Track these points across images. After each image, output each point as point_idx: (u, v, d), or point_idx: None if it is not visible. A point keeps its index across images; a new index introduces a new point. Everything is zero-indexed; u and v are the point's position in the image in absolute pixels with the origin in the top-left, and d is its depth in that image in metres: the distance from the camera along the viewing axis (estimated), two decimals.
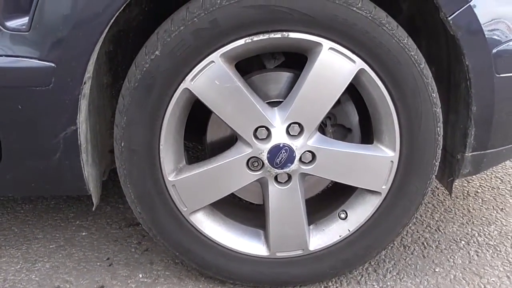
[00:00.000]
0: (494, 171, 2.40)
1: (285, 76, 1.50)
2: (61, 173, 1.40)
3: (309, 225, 1.52)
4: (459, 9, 1.32)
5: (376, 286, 1.61)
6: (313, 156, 1.42)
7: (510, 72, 1.41)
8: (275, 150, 1.40)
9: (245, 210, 1.71)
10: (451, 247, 1.81)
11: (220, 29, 1.28)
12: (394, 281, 1.64)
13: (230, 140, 1.54)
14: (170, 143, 1.41)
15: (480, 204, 2.12)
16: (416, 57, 1.35)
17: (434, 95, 1.38)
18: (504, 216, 2.02)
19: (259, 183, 1.47)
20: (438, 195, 2.19)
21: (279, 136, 1.39)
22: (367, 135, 1.60)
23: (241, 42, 1.30)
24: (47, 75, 1.28)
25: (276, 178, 1.45)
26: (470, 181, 2.31)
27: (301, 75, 1.38)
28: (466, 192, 2.22)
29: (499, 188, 2.25)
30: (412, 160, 1.43)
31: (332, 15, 1.28)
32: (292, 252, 1.53)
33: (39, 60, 1.27)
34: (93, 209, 1.54)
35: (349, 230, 1.52)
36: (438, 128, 1.41)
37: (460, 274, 1.67)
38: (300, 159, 1.42)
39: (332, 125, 1.59)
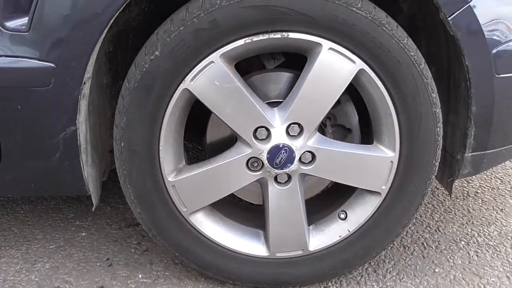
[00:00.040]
0: (494, 171, 2.40)
1: (284, 76, 1.50)
2: (61, 173, 1.40)
3: (309, 225, 1.52)
4: (459, 10, 1.33)
5: (375, 286, 1.61)
6: (313, 156, 1.42)
7: (510, 73, 1.41)
8: (275, 151, 1.40)
9: (245, 211, 1.71)
10: (451, 247, 1.81)
11: (219, 30, 1.28)
12: (394, 281, 1.64)
13: (230, 141, 1.54)
14: (169, 143, 1.41)
15: (480, 204, 2.12)
16: (416, 57, 1.35)
17: (434, 96, 1.38)
18: (504, 217, 2.02)
19: (258, 183, 1.47)
20: (438, 195, 2.19)
21: (278, 137, 1.39)
22: (367, 135, 1.60)
23: (240, 42, 1.30)
24: (47, 76, 1.28)
25: (276, 179, 1.45)
26: (470, 181, 2.31)
27: (301, 76, 1.38)
28: (466, 192, 2.22)
29: (499, 189, 2.24)
30: (412, 160, 1.43)
31: (332, 16, 1.28)
32: (292, 252, 1.52)
33: (39, 60, 1.27)
34: (93, 209, 1.54)
35: (348, 231, 1.52)
36: (438, 129, 1.41)
37: (460, 275, 1.67)
38: (300, 159, 1.42)
39: (332, 126, 1.59)
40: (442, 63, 1.53)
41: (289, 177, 1.45)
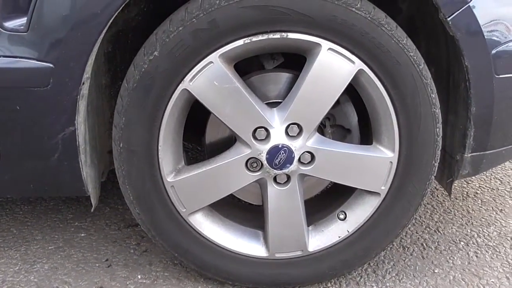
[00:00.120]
0: (493, 172, 2.40)
1: (284, 76, 1.50)
2: (60, 174, 1.40)
3: (308, 226, 1.52)
4: (458, 10, 1.32)
5: (375, 287, 1.61)
6: (312, 157, 1.42)
7: (509, 73, 1.41)
8: (274, 151, 1.39)
9: (244, 211, 1.71)
10: (451, 248, 1.81)
11: (219, 30, 1.28)
12: (393, 282, 1.64)
13: (229, 141, 1.54)
14: (169, 144, 1.41)
15: (480, 205, 2.11)
16: (415, 57, 1.34)
17: (433, 96, 1.38)
18: (504, 217, 2.01)
19: (258, 184, 1.47)
20: (437, 196, 2.19)
21: (278, 137, 1.39)
22: (366, 135, 1.59)
23: (240, 42, 1.30)
24: (46, 76, 1.28)
25: (275, 179, 1.45)
26: (470, 182, 2.31)
27: (300, 76, 1.38)
28: (465, 193, 2.22)
29: (499, 189, 2.24)
30: (411, 161, 1.43)
31: (331, 16, 1.28)
32: (291, 253, 1.52)
33: (38, 60, 1.27)
34: (92, 210, 1.54)
35: (348, 231, 1.51)
36: (437, 129, 1.41)
37: (460, 275, 1.66)
38: (299, 159, 1.41)
39: (331, 126, 1.59)
40: (441, 63, 1.53)
41: (289, 178, 1.45)
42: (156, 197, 1.44)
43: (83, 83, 1.31)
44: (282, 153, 1.40)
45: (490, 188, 2.25)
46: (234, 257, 1.53)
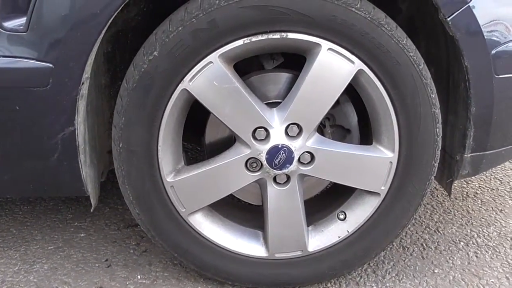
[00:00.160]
0: (493, 172, 2.40)
1: (283, 77, 1.50)
2: (59, 174, 1.39)
3: (308, 226, 1.52)
4: (458, 10, 1.32)
5: (375, 287, 1.61)
6: (312, 157, 1.42)
7: (509, 73, 1.41)
8: (274, 151, 1.39)
9: (244, 211, 1.71)
10: (450, 248, 1.81)
11: (218, 30, 1.28)
12: (393, 282, 1.63)
13: (229, 141, 1.54)
14: (168, 144, 1.41)
15: (479, 205, 2.11)
16: (415, 57, 1.34)
17: (433, 96, 1.38)
18: (503, 217, 2.01)
19: (257, 184, 1.47)
20: (437, 196, 2.19)
21: (277, 137, 1.39)
22: (366, 136, 1.59)
23: (239, 42, 1.30)
24: (45, 76, 1.28)
25: (275, 179, 1.44)
26: (469, 182, 2.31)
27: (300, 76, 1.38)
28: (465, 193, 2.22)
29: (498, 189, 2.24)
30: (411, 161, 1.43)
31: (331, 16, 1.28)
32: (291, 253, 1.52)
33: (37, 60, 1.27)
34: (92, 210, 1.54)
35: (348, 231, 1.51)
36: (437, 129, 1.41)
37: (459, 275, 1.66)
38: (299, 160, 1.41)
39: (331, 126, 1.59)
40: (441, 63, 1.53)
41: (288, 178, 1.44)
42: (156, 197, 1.44)
43: (83, 83, 1.31)
44: (282, 153, 1.40)
45: (490, 188, 2.25)
46: (234, 257, 1.53)
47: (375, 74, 1.35)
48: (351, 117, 1.61)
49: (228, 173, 1.43)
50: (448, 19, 1.32)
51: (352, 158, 1.44)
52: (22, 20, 1.27)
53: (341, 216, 1.53)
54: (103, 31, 1.27)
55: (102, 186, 1.62)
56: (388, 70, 1.34)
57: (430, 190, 1.57)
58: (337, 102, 1.51)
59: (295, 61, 1.49)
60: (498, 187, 2.26)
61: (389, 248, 1.79)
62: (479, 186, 2.27)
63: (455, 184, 2.27)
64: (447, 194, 2.17)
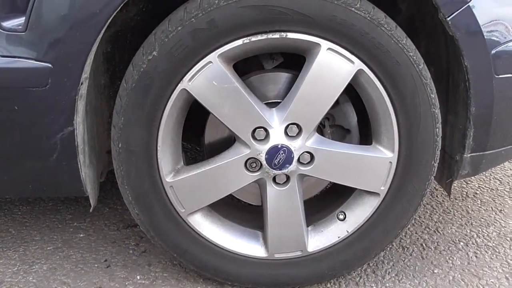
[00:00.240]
0: (493, 172, 2.39)
1: (283, 76, 1.50)
2: (58, 174, 1.39)
3: (307, 226, 1.52)
4: (458, 10, 1.32)
5: (374, 287, 1.61)
6: (312, 157, 1.42)
7: (509, 73, 1.41)
8: (273, 151, 1.39)
9: (243, 211, 1.71)
10: (450, 248, 1.81)
11: (218, 30, 1.28)
12: (393, 282, 1.63)
13: (228, 141, 1.53)
14: (167, 144, 1.40)
15: (479, 205, 2.11)
16: (415, 57, 1.34)
17: (433, 96, 1.38)
18: (503, 218, 2.01)
19: (257, 184, 1.47)
20: (437, 196, 2.19)
21: (277, 137, 1.38)
22: (366, 136, 1.59)
23: (239, 42, 1.30)
24: (44, 76, 1.28)
25: (274, 179, 1.44)
26: (469, 182, 2.31)
27: (299, 76, 1.37)
28: (465, 193, 2.21)
29: (498, 190, 2.24)
30: (410, 161, 1.43)
31: (331, 16, 1.28)
32: (291, 253, 1.52)
33: (36, 60, 1.27)
34: (91, 210, 1.53)
35: (347, 231, 1.51)
36: (437, 129, 1.41)
37: (459, 275, 1.66)
38: (298, 160, 1.41)
39: (331, 126, 1.59)
40: (441, 63, 1.53)
41: (288, 178, 1.44)
42: (155, 197, 1.43)
43: (82, 83, 1.31)
44: (282, 153, 1.39)
45: (489, 188, 2.25)
46: (234, 258, 1.53)
47: (375, 74, 1.34)
48: (350, 117, 1.61)
49: (227, 173, 1.42)
50: (448, 19, 1.32)
51: (351, 158, 1.44)
52: (21, 20, 1.26)
53: (341, 216, 1.53)
54: (102, 31, 1.27)
55: (101, 186, 1.61)
56: (388, 70, 1.34)
57: (429, 190, 1.57)
58: (337, 102, 1.51)
59: (294, 61, 1.49)
60: (497, 187, 2.26)
61: (388, 248, 1.79)
62: (479, 186, 2.27)
63: (455, 184, 2.27)
64: (446, 194, 2.17)
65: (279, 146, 1.39)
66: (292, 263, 1.53)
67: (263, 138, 1.39)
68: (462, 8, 1.32)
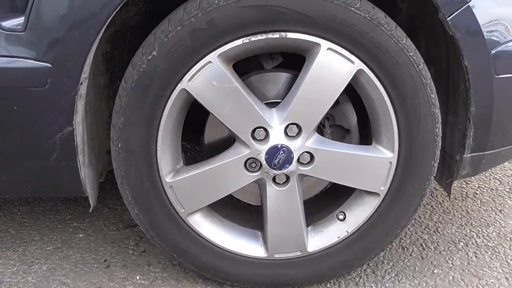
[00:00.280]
0: (492, 172, 2.39)
1: (283, 76, 1.50)
2: (58, 174, 1.39)
3: (307, 226, 1.52)
4: (458, 10, 1.32)
5: (374, 287, 1.61)
6: (311, 157, 1.42)
7: (509, 73, 1.41)
8: (273, 151, 1.39)
9: (243, 212, 1.70)
10: (450, 248, 1.81)
11: (217, 29, 1.28)
12: (393, 282, 1.63)
13: (228, 141, 1.53)
14: (167, 144, 1.40)
15: (479, 205, 2.11)
16: (415, 57, 1.34)
17: (433, 96, 1.38)
18: (503, 218, 2.01)
19: (257, 184, 1.46)
20: (436, 196, 2.18)
21: (277, 137, 1.38)
22: (366, 136, 1.59)
23: (238, 42, 1.30)
24: (43, 76, 1.28)
25: (274, 179, 1.44)
26: (469, 182, 2.31)
27: (299, 76, 1.37)
28: (464, 193, 2.21)
29: (498, 190, 2.24)
30: (410, 161, 1.42)
31: (331, 16, 1.28)
32: (291, 253, 1.52)
33: (35, 60, 1.27)
34: (90, 210, 1.53)
35: (347, 232, 1.51)
36: (437, 129, 1.41)
37: (459, 276, 1.66)
38: (298, 160, 1.41)
39: (331, 126, 1.59)
40: (441, 63, 1.52)
41: (288, 178, 1.44)
42: (155, 197, 1.43)
43: (81, 83, 1.31)
44: (281, 153, 1.39)
45: (489, 188, 2.25)
46: (233, 258, 1.52)
47: (375, 74, 1.34)
48: (350, 117, 1.60)
49: (227, 173, 1.42)
50: (448, 19, 1.32)
51: (351, 158, 1.43)
52: (20, 20, 1.26)
53: (341, 217, 1.53)
54: (102, 31, 1.27)
55: (101, 186, 1.61)
56: (388, 70, 1.34)
57: (429, 190, 1.57)
58: (337, 102, 1.51)
59: (294, 61, 1.49)
60: (497, 187, 2.26)
61: (388, 249, 1.79)
62: (479, 186, 2.27)
63: (455, 184, 2.26)
64: (446, 194, 2.17)
65: (279, 146, 1.39)
66: (292, 263, 1.53)
67: (262, 138, 1.39)
68: (462, 8, 1.32)
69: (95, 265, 1.71)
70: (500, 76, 1.39)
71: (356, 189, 1.50)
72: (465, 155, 1.48)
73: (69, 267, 1.70)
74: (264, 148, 1.39)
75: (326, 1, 1.26)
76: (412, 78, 1.35)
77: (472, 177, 2.33)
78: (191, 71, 1.31)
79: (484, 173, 2.33)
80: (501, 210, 2.07)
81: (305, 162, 1.42)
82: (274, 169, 1.41)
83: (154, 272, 1.68)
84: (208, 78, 1.32)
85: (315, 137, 1.42)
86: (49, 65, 1.27)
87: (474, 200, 2.15)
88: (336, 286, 1.61)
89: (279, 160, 1.40)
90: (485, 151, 1.48)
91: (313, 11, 1.27)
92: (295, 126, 1.38)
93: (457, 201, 2.15)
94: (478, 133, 1.44)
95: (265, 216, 1.48)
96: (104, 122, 1.58)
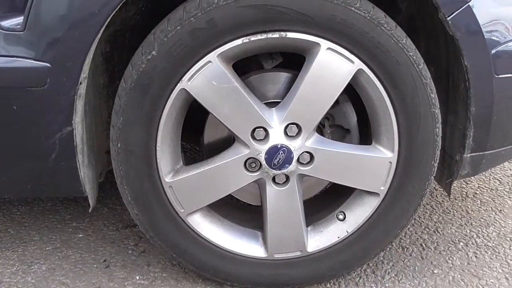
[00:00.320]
0: (492, 172, 2.39)
1: (283, 76, 1.50)
2: (57, 174, 1.39)
3: (307, 226, 1.52)
4: (458, 10, 1.32)
5: (374, 287, 1.61)
6: (311, 157, 1.42)
7: (509, 73, 1.41)
8: (273, 151, 1.39)
9: (243, 212, 1.70)
10: (450, 248, 1.81)
11: (217, 29, 1.27)
12: (393, 282, 1.63)
13: (228, 141, 1.53)
14: (167, 144, 1.40)
15: (479, 205, 2.11)
16: (415, 57, 1.34)
17: (433, 96, 1.38)
18: (503, 218, 2.01)
19: (257, 184, 1.46)
20: (436, 196, 2.18)
21: (277, 137, 1.38)
22: (366, 136, 1.59)
23: (238, 42, 1.29)
24: (43, 75, 1.27)
25: (274, 179, 1.44)
26: (469, 182, 2.31)
27: (299, 76, 1.37)
28: (464, 193, 2.21)
29: (498, 190, 2.24)
30: (410, 161, 1.42)
31: (331, 15, 1.27)
32: (290, 253, 1.52)
33: (34, 60, 1.26)
34: (90, 210, 1.53)
35: (347, 232, 1.51)
36: (437, 129, 1.41)
37: (459, 276, 1.66)
38: (298, 160, 1.41)
39: (330, 126, 1.59)
40: (441, 63, 1.52)
41: (287, 178, 1.44)
42: (154, 197, 1.43)
43: (81, 83, 1.30)
44: (281, 153, 1.39)
45: (489, 188, 2.25)
46: (233, 258, 1.52)
47: (375, 73, 1.34)
48: (350, 117, 1.60)
49: (227, 173, 1.42)
50: (448, 18, 1.32)
51: (351, 158, 1.43)
52: (19, 19, 1.26)
53: (341, 217, 1.52)
54: (101, 31, 1.27)
55: (100, 186, 1.61)
56: (388, 70, 1.33)
57: (429, 190, 1.57)
58: (337, 102, 1.51)
59: (294, 61, 1.48)
60: (497, 187, 2.26)
61: (388, 249, 1.79)
62: (479, 186, 2.26)
63: (455, 184, 2.26)
64: (446, 194, 2.17)
65: (279, 146, 1.38)
66: (291, 263, 1.53)
67: (262, 138, 1.39)
68: (462, 8, 1.32)
69: (95, 265, 1.71)
70: (500, 76, 1.39)
71: (356, 189, 1.50)
72: (465, 155, 1.48)
73: (69, 267, 1.70)
74: (264, 148, 1.39)
75: (326, 0, 1.26)
76: (412, 78, 1.35)
77: (472, 177, 2.33)
78: (190, 71, 1.31)
79: (484, 173, 2.33)
80: (501, 210, 2.07)
81: (305, 162, 1.42)
82: (274, 169, 1.41)
83: (153, 272, 1.68)
84: (208, 78, 1.32)
85: (315, 137, 1.42)
86: (48, 64, 1.27)
87: (474, 200, 2.15)
88: (336, 286, 1.61)
89: (279, 160, 1.40)
90: (485, 151, 1.48)
91: (313, 10, 1.27)
92: (295, 126, 1.38)
93: (457, 201, 2.14)
94: (478, 133, 1.44)
95: (265, 216, 1.48)
96: (104, 122, 1.58)
